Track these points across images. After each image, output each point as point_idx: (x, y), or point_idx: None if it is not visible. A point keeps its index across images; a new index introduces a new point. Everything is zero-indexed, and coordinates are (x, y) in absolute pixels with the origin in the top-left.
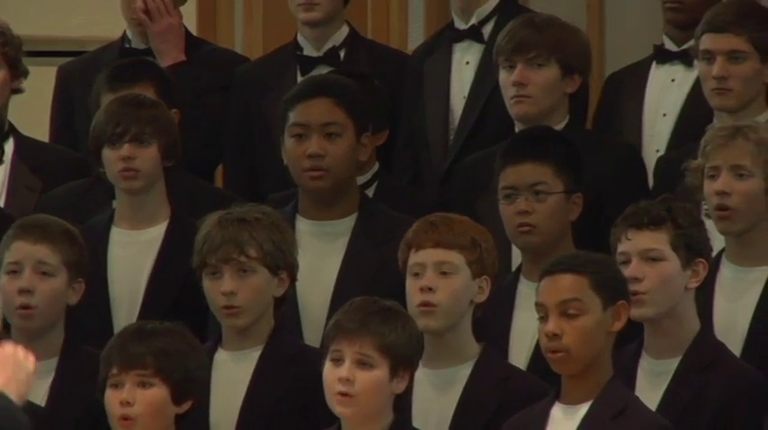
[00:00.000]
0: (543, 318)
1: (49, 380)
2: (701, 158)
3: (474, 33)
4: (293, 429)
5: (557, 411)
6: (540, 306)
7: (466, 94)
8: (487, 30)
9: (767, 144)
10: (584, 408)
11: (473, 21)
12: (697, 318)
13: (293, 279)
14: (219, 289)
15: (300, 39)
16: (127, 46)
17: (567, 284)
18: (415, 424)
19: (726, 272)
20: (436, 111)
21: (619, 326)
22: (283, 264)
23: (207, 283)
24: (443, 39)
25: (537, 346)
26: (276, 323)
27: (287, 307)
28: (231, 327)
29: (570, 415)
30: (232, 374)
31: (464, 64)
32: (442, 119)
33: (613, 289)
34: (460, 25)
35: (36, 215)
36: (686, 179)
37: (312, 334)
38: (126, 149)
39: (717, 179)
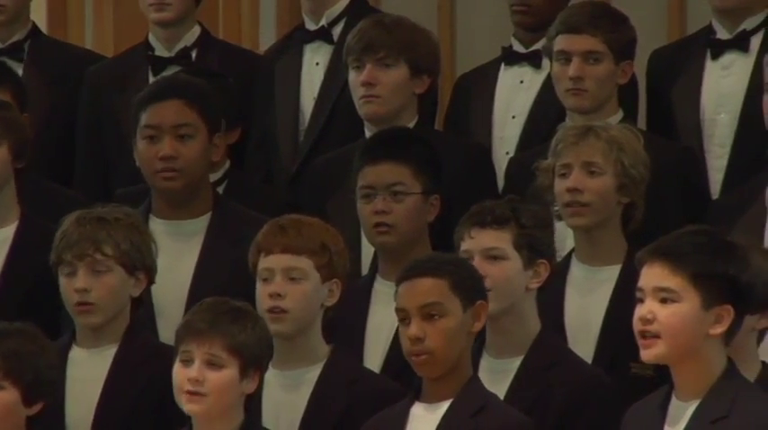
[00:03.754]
0: (405, 323)
1: None
2: (551, 158)
3: (324, 34)
4: (150, 427)
5: (417, 410)
6: (400, 310)
7: (316, 94)
8: (337, 31)
9: (618, 142)
10: (444, 406)
11: (323, 22)
12: (538, 318)
13: (151, 280)
14: (73, 286)
15: (152, 39)
16: None
17: (426, 288)
18: (265, 425)
19: (576, 271)
20: (286, 112)
21: (479, 326)
22: (141, 264)
23: (62, 280)
24: (294, 39)
25: (392, 345)
26: (132, 321)
27: (143, 307)
28: (84, 325)
29: (430, 413)
30: (87, 372)
31: (314, 65)
32: (293, 119)
33: (472, 289)
34: (311, 26)
35: None
36: (537, 179)
37: (168, 333)
38: None
39: (568, 177)
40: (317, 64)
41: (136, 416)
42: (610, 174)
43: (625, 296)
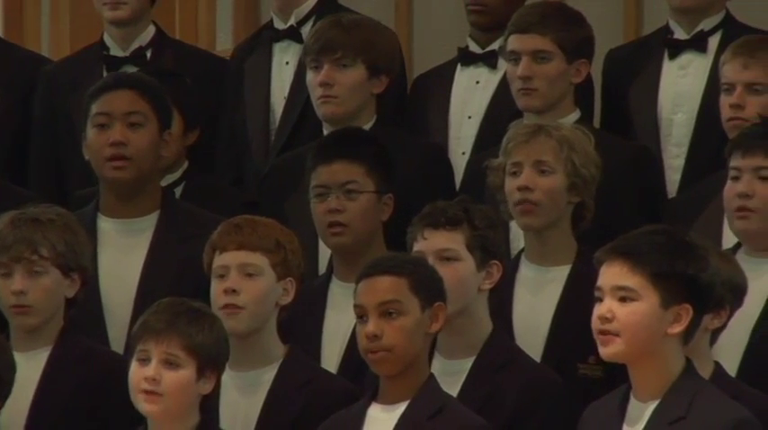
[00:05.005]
0: (362, 320)
1: None
2: (502, 156)
3: (293, 33)
4: (83, 429)
5: (374, 411)
6: (359, 307)
7: (286, 93)
8: (306, 30)
9: (569, 141)
10: (401, 408)
11: (292, 21)
12: (490, 319)
13: (85, 281)
14: (10, 288)
15: (106, 38)
16: None
17: (386, 286)
18: (222, 426)
19: (526, 271)
20: (257, 111)
21: (436, 327)
22: (75, 265)
23: None
24: (263, 38)
25: (349, 346)
26: (65, 323)
27: (90, 305)
28: (20, 327)
29: (387, 414)
30: (21, 374)
31: (284, 64)
32: (263, 119)
33: (431, 290)
34: (279, 25)
35: None
36: (488, 178)
37: (116, 331)
38: None
39: (519, 176)
40: (287, 63)
41: (69, 419)
42: (560, 174)
43: (574, 297)
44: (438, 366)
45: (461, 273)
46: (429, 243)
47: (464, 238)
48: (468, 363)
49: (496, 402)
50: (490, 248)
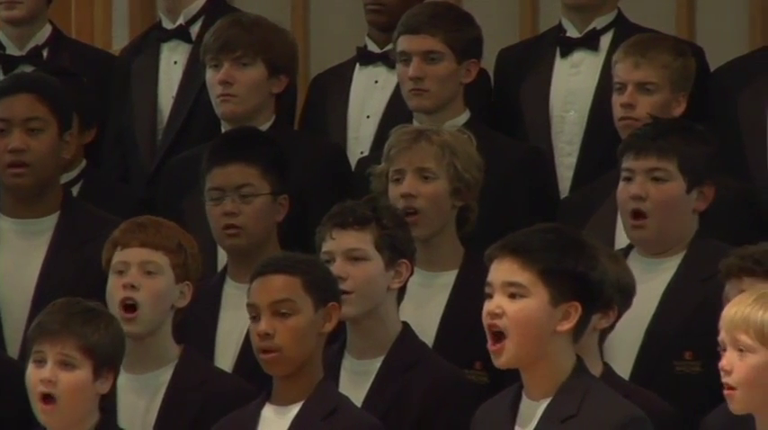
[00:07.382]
0: (255, 319)
1: None
2: (384, 163)
3: (181, 33)
4: None
5: (268, 412)
6: (251, 306)
7: (174, 93)
8: (195, 29)
9: (451, 146)
10: (295, 409)
11: (180, 20)
12: (399, 318)
13: None
14: None
15: (2, 38)
16: None
17: (279, 285)
18: (122, 427)
19: (413, 277)
20: (144, 111)
21: (330, 327)
22: None
23: None
24: (151, 38)
25: (243, 347)
26: None
27: None
28: None
29: (281, 415)
30: None
31: (172, 63)
32: (150, 118)
33: (325, 290)
34: (168, 25)
35: None
36: (371, 184)
37: (13, 333)
38: None
39: (402, 183)
40: (175, 63)
41: None
42: (443, 179)
43: (461, 302)
44: (348, 366)
45: (370, 272)
46: (337, 243)
47: (372, 238)
48: (377, 363)
49: (404, 402)
50: (399, 247)
